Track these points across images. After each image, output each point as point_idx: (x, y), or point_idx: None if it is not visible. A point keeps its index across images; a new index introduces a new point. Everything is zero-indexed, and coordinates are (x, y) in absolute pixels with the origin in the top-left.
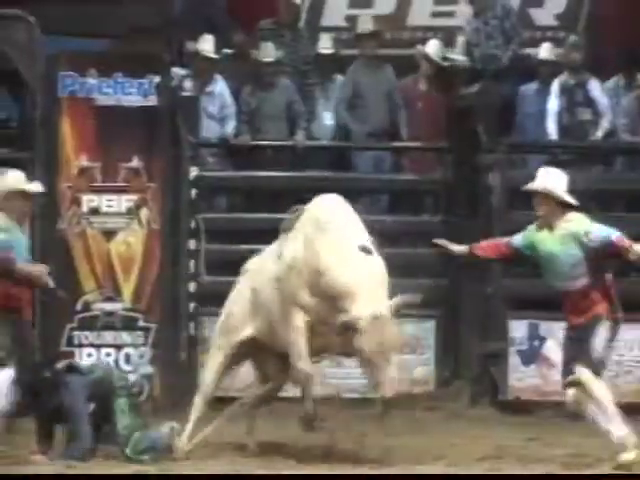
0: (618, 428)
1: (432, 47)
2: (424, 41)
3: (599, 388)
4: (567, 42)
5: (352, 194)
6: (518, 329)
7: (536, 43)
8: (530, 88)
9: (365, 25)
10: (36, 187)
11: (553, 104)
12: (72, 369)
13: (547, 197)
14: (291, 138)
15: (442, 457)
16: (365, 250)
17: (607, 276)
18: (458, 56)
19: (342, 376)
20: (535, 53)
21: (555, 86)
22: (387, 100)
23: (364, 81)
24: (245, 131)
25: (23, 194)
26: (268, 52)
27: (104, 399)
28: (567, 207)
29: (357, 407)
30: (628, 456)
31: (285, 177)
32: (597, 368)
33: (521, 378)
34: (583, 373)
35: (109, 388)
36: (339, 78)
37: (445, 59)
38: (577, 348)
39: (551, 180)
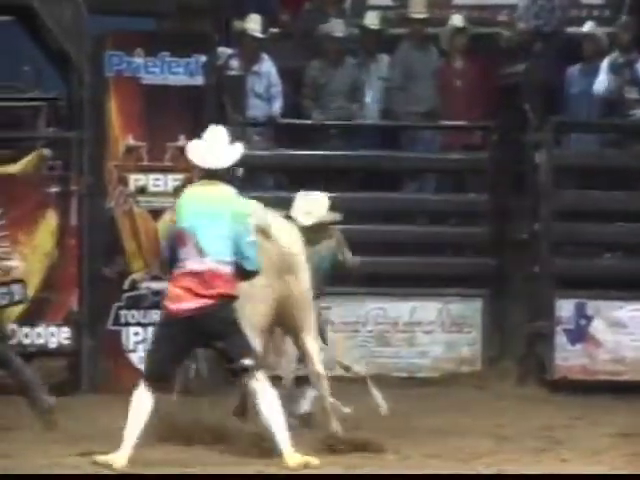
0: None
1: (458, 19)
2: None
3: None
4: (617, 21)
5: (399, 173)
6: (565, 308)
7: (582, 22)
8: (576, 68)
9: (418, 8)
10: None
11: (601, 82)
12: None
13: None
14: (344, 117)
15: (489, 436)
16: None
17: None
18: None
19: (389, 355)
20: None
21: (604, 64)
22: (433, 80)
23: (414, 62)
24: (310, 107)
25: None
26: (338, 28)
27: None
28: None
29: (404, 386)
30: None
31: (332, 155)
32: None
33: (568, 357)
34: None
35: None
36: (384, 57)
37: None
38: None
39: None
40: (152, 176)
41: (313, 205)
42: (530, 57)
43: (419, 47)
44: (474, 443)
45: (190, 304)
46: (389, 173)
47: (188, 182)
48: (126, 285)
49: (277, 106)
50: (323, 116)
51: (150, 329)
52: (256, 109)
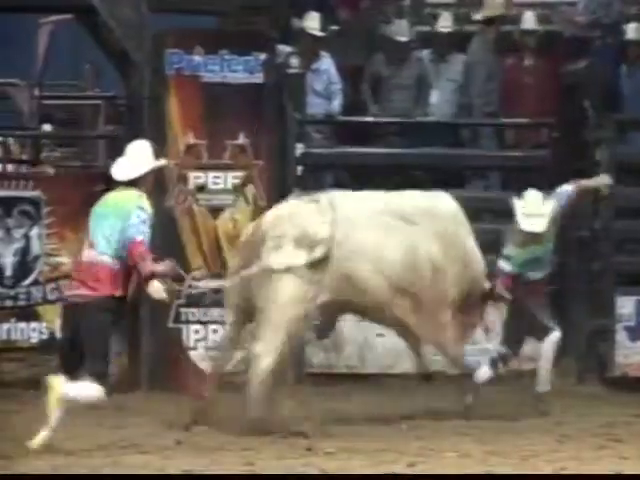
0: None
1: (529, 19)
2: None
3: None
4: None
5: (461, 171)
6: (626, 305)
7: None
8: (623, 68)
9: (494, 7)
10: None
11: None
12: None
13: None
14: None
15: (550, 432)
16: None
17: None
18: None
19: None
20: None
21: None
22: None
23: (483, 61)
24: (371, 101)
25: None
26: (402, 30)
27: None
28: None
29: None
30: None
31: (391, 153)
32: None
33: (628, 355)
34: None
35: None
36: (458, 57)
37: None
38: None
39: None
40: (212, 174)
41: (536, 206)
42: (590, 54)
43: (489, 47)
44: (535, 441)
45: None
46: (450, 170)
47: (248, 180)
48: (186, 283)
49: (337, 104)
50: (383, 113)
51: (210, 327)
52: (316, 107)
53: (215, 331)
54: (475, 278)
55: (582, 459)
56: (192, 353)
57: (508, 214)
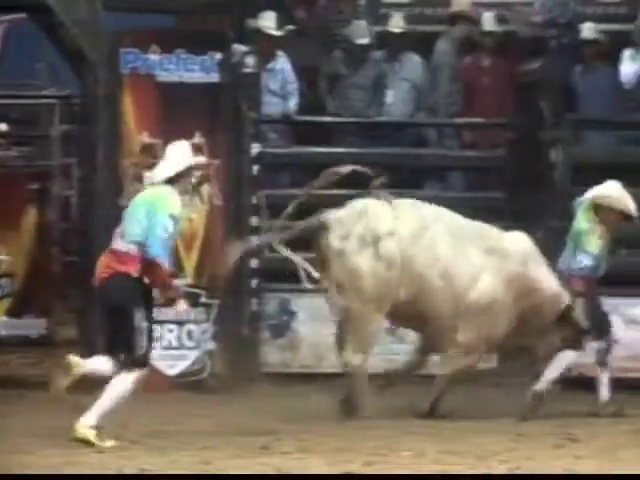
0: None
1: (488, 20)
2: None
3: None
4: (638, 20)
5: (416, 171)
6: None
7: (597, 19)
8: (578, 68)
9: (459, 6)
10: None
11: (628, 74)
12: None
13: None
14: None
15: (506, 432)
16: None
17: None
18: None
19: (403, 351)
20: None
21: (626, 56)
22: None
23: (448, 62)
24: (328, 100)
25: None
26: (361, 31)
27: None
28: None
29: (420, 383)
30: None
31: (348, 153)
32: None
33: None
34: None
35: None
36: (412, 57)
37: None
38: None
39: None
40: None
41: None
42: (546, 53)
43: (455, 46)
44: (491, 440)
45: None
46: (403, 170)
47: (203, 180)
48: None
49: (292, 103)
50: (341, 112)
51: (166, 326)
52: (272, 106)
53: (171, 330)
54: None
55: (538, 458)
56: None
57: (460, 213)
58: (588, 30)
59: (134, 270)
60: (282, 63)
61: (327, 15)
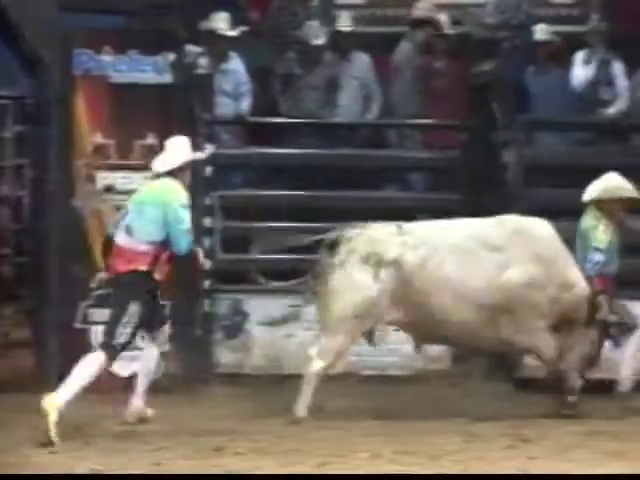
0: None
1: (443, 22)
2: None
3: None
4: (590, 22)
5: (369, 171)
6: None
7: (550, 21)
8: (531, 69)
9: (422, 11)
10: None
11: (578, 77)
12: None
13: None
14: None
15: (459, 432)
16: None
17: None
18: (474, 29)
19: (357, 353)
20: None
21: (578, 59)
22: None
23: (408, 63)
24: (281, 100)
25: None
26: (315, 32)
27: None
28: None
29: (374, 384)
30: None
31: (302, 154)
32: None
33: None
34: None
35: None
36: (361, 56)
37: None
38: None
39: None
40: (120, 174)
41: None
42: (499, 55)
43: (417, 48)
44: (444, 440)
45: None
46: (355, 171)
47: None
48: (94, 284)
49: (245, 104)
50: (294, 113)
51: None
52: (224, 107)
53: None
54: (574, 303)
55: (490, 459)
56: None
57: (413, 214)
58: (541, 32)
59: (145, 266)
60: (235, 64)
61: (280, 16)
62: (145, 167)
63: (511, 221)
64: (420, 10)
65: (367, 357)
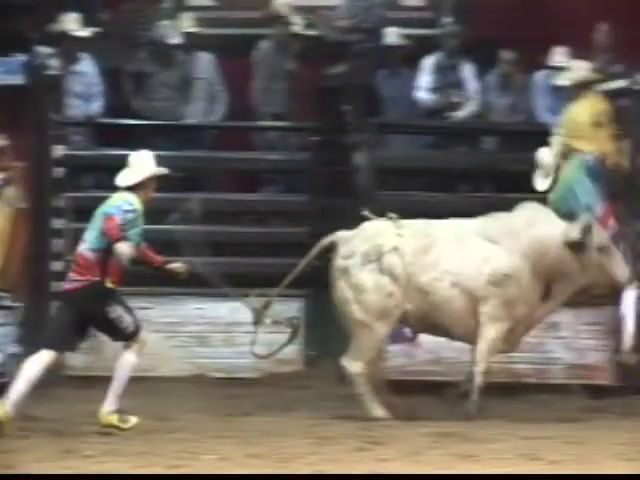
0: None
1: (298, 24)
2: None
3: None
4: (442, 24)
5: (220, 173)
6: None
7: (402, 23)
8: (384, 73)
9: (283, 10)
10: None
11: (424, 81)
12: None
13: None
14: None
15: (309, 434)
16: None
17: None
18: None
19: (208, 355)
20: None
21: (427, 64)
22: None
23: (266, 62)
24: (132, 99)
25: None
26: (170, 32)
27: None
28: None
29: (224, 386)
30: None
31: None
32: None
33: (386, 358)
34: None
35: None
36: (204, 56)
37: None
38: None
39: None
40: None
41: None
42: (350, 58)
43: (274, 47)
44: (294, 443)
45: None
46: (206, 172)
47: (8, 182)
48: None
49: (97, 106)
50: (147, 113)
51: None
52: (76, 109)
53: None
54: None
55: (341, 461)
56: None
57: (264, 216)
58: (392, 35)
59: (96, 276)
60: (86, 66)
61: (131, 17)
62: None
63: (505, 217)
64: (277, 7)
65: (218, 359)
